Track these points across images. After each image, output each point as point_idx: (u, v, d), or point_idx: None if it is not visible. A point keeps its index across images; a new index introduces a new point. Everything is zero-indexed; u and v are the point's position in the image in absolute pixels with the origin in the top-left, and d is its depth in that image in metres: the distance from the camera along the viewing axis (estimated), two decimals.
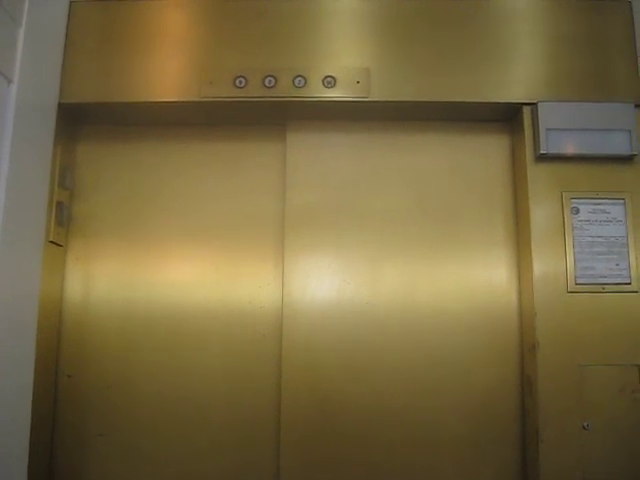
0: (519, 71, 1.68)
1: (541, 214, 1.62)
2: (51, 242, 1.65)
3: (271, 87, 1.67)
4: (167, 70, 1.70)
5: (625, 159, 1.64)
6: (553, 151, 1.62)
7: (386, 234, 1.74)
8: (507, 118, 1.75)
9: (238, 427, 1.69)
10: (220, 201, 1.79)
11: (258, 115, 1.78)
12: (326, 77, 1.67)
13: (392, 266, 1.72)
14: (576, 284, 1.59)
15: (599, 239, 1.61)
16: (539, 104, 1.64)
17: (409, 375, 1.67)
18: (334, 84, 1.67)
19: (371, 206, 1.75)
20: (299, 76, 1.67)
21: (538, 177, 1.64)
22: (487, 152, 1.77)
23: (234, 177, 1.81)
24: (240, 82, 1.67)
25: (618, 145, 1.63)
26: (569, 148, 1.63)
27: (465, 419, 1.65)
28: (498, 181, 1.76)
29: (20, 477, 1.46)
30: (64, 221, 1.72)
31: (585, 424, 1.53)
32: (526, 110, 1.66)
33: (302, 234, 1.73)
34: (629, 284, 1.60)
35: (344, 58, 1.69)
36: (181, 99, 1.69)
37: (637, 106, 1.64)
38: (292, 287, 1.71)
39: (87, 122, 1.81)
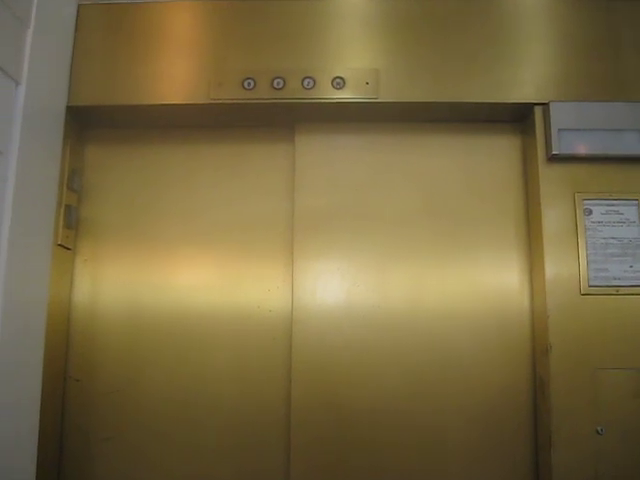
0: (530, 71, 1.66)
1: (553, 216, 1.60)
2: (60, 245, 1.65)
3: (280, 89, 1.66)
4: (175, 72, 1.69)
5: (638, 159, 1.62)
6: (565, 152, 1.60)
7: (396, 237, 1.72)
8: (518, 119, 1.73)
9: (247, 431, 1.68)
10: (228, 204, 1.78)
11: (267, 117, 1.77)
12: (335, 78, 1.66)
13: (402, 269, 1.71)
14: (589, 286, 1.56)
15: (612, 241, 1.59)
16: (551, 104, 1.62)
17: (419, 378, 1.65)
18: (343, 85, 1.66)
19: (380, 208, 1.73)
20: (308, 77, 1.66)
21: (550, 178, 1.62)
22: (498, 153, 1.75)
23: (242, 179, 1.80)
24: (249, 84, 1.66)
25: (631, 145, 1.61)
26: (581, 148, 1.61)
27: (476, 423, 1.64)
28: (509, 183, 1.74)
29: None
30: (72, 224, 1.71)
31: (599, 429, 1.51)
32: (537, 110, 1.64)
33: (311, 237, 1.72)
34: None
35: (353, 59, 1.68)
36: (189, 101, 1.68)
37: None
38: (301, 291, 1.70)
39: (96, 125, 1.81)
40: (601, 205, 1.61)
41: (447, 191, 1.74)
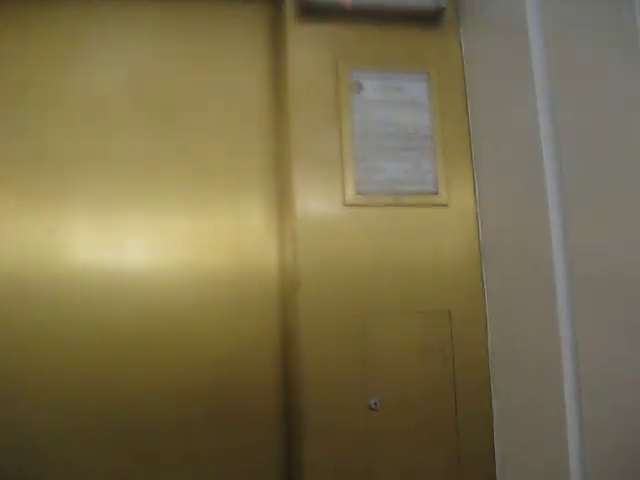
0: None
1: (306, 94, 1.09)
2: None
3: None
4: None
5: (430, 18, 1.14)
6: (323, 2, 1.08)
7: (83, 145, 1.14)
8: None
9: None
10: None
11: None
12: None
13: (84, 197, 1.13)
14: (357, 194, 1.06)
15: (392, 128, 1.09)
16: None
17: (129, 348, 1.09)
18: None
19: (67, 103, 1.15)
20: None
21: (303, 43, 1.11)
22: (245, 25, 1.21)
23: None
24: None
25: None
26: None
27: (216, 397, 1.09)
28: (258, 61, 1.20)
29: None
30: None
31: (372, 402, 1.00)
32: None
33: None
34: (435, 194, 1.08)
35: None
36: None
37: None
38: None
39: None
40: (377, 79, 1.11)
41: (177, 82, 1.18)
